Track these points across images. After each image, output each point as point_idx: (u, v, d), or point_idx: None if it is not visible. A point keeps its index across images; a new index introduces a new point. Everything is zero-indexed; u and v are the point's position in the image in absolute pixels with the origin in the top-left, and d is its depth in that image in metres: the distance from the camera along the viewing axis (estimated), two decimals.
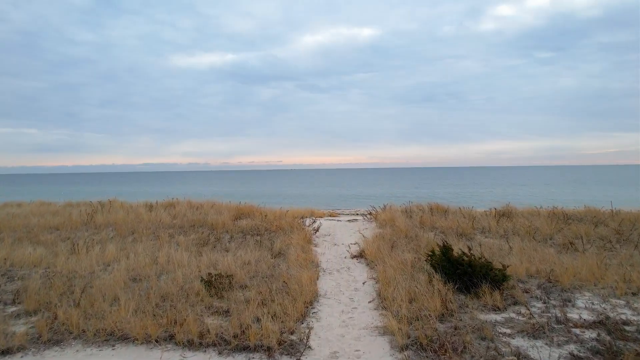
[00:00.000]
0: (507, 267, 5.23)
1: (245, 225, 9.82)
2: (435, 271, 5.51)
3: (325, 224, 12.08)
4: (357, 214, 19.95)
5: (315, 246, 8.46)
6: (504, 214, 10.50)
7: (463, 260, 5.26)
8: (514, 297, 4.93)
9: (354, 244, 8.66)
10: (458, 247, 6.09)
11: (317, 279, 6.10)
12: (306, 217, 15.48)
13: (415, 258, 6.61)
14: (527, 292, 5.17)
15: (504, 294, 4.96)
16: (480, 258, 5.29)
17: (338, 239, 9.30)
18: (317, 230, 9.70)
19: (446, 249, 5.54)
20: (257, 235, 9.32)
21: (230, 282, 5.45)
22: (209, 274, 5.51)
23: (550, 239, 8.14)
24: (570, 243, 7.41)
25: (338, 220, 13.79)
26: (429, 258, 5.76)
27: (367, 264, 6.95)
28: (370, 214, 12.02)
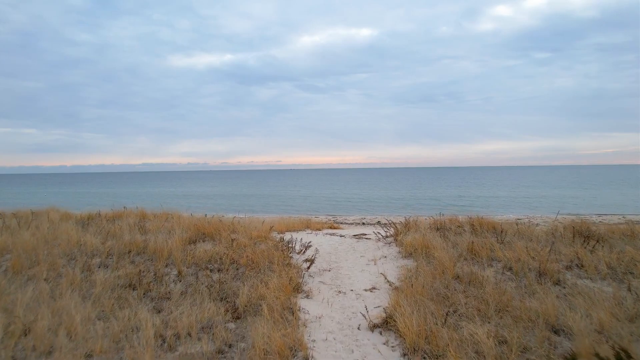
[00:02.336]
0: None
1: (202, 255, 6.46)
2: None
3: (324, 243, 8.76)
4: (364, 224, 16.73)
5: (307, 296, 5.11)
6: (587, 235, 7.15)
7: None
8: None
9: (371, 290, 5.35)
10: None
11: None
12: (300, 229, 12.22)
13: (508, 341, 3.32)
14: None
15: None
16: None
17: (344, 278, 5.96)
18: (312, 262, 6.34)
19: None
20: (218, 271, 6.02)
21: None
22: None
23: None
24: None
25: (341, 236, 10.50)
26: None
27: (404, 352, 3.63)
28: (388, 235, 8.66)
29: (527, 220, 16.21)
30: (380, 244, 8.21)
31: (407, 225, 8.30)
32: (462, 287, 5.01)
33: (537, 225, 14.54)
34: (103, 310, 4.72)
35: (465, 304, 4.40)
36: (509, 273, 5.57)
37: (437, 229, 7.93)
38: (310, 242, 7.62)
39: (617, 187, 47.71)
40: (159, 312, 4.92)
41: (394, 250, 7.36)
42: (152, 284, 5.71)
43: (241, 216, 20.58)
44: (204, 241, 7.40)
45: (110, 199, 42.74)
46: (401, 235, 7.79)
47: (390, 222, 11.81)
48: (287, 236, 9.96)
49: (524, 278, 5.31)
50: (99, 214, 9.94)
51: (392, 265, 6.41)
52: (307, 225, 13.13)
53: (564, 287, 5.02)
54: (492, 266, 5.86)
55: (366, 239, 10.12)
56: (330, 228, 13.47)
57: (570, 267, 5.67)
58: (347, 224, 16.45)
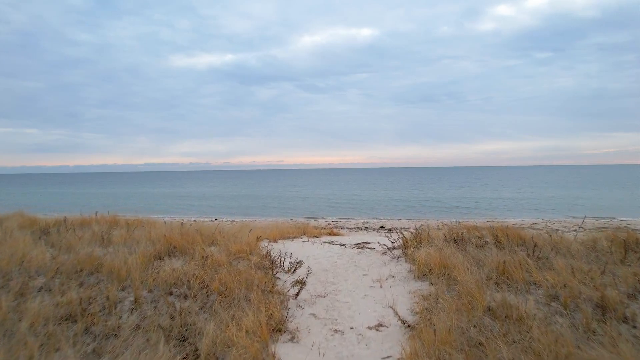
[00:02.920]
0: None
1: (167, 275, 5.22)
2: None
3: (321, 256, 7.53)
4: (367, 228, 15.48)
5: (292, 339, 3.82)
6: (634, 246, 5.87)
7: None
8: None
9: (377, 328, 4.10)
10: None
11: None
12: (296, 237, 11.00)
13: None
14: None
15: None
16: None
17: (342, 308, 4.68)
18: (302, 286, 5.08)
19: None
20: (185, 297, 4.79)
21: None
22: None
23: None
24: None
25: (341, 245, 9.29)
26: None
27: None
28: (395, 247, 7.39)
29: (543, 224, 14.95)
30: (387, 257, 6.95)
31: (417, 236, 7.04)
32: (499, 326, 3.77)
33: (557, 231, 13.27)
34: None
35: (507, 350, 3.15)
36: (554, 304, 4.32)
37: (454, 241, 6.66)
38: (301, 260, 6.35)
39: (623, 188, 46.40)
40: (99, 357, 3.72)
41: (403, 267, 6.10)
42: (99, 315, 4.50)
43: (236, 219, 19.39)
44: (173, 256, 6.15)
45: (106, 199, 41.59)
46: (411, 249, 6.53)
47: (396, 229, 10.58)
48: (278, 246, 8.73)
49: (577, 312, 4.06)
50: (65, 220, 8.70)
51: (402, 290, 5.16)
52: (304, 232, 11.90)
53: (635, 327, 3.78)
54: (530, 293, 4.60)
55: (369, 248, 8.90)
56: (330, 235, 12.24)
57: (633, 296, 4.42)
58: (348, 228, 15.24)
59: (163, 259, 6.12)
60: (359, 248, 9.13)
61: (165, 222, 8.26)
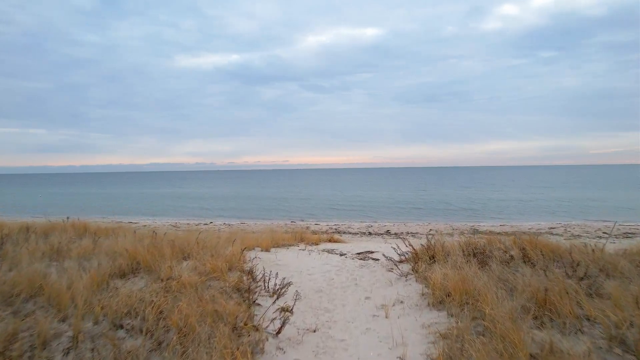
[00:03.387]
0: None
1: (119, 302, 4.19)
2: None
3: (316, 271, 6.47)
4: (370, 233, 14.37)
5: None
6: None
7: None
8: None
9: None
10: None
11: None
12: (292, 244, 9.96)
13: None
14: None
15: None
16: None
17: (337, 350, 3.55)
18: (288, 317, 4.01)
19: None
20: (140, 331, 3.76)
21: None
22: None
23: None
24: None
25: (341, 256, 8.27)
26: None
27: None
28: (403, 260, 6.29)
29: (562, 229, 13.77)
30: (393, 275, 5.85)
31: (429, 249, 5.94)
32: None
33: (580, 237, 12.12)
34: None
35: None
36: (619, 350, 3.23)
37: (474, 255, 5.57)
38: (290, 281, 5.28)
39: (633, 188, 44.89)
40: None
41: (413, 289, 5.01)
42: (22, 359, 3.49)
43: (232, 223, 18.41)
44: (137, 275, 5.10)
45: (103, 201, 40.76)
46: (423, 265, 5.44)
47: (402, 234, 9.51)
48: (270, 256, 7.70)
49: None
50: (27, 228, 7.69)
51: (413, 322, 4.08)
52: (302, 238, 10.85)
53: None
54: (583, 332, 3.52)
55: (373, 259, 7.84)
56: (330, 241, 11.17)
57: None
58: (350, 233, 14.18)
59: (125, 276, 5.08)
60: (361, 259, 8.08)
61: (135, 232, 7.20)
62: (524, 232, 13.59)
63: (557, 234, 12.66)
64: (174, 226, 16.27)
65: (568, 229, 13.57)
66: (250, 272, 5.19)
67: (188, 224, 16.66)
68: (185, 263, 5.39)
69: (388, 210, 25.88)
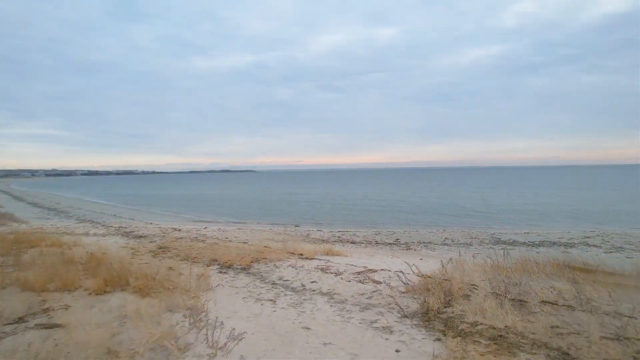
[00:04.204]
0: None
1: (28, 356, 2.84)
2: None
3: (306, 300, 5.01)
4: (377, 242, 12.78)
5: None
6: None
7: None
8: None
9: None
10: None
11: None
12: (281, 260, 8.55)
13: None
14: None
15: None
16: None
17: None
18: None
19: None
20: None
21: None
22: None
23: None
24: None
25: (337, 275, 6.84)
26: None
27: None
28: (410, 289, 4.76)
29: (599, 238, 11.85)
30: (398, 326, 4.31)
31: (446, 274, 4.40)
32: None
33: (622, 249, 10.27)
34: None
35: None
36: None
37: (505, 291, 4.01)
38: (243, 332, 3.82)
39: None
40: None
41: (421, 347, 3.49)
42: None
43: (227, 228, 17.16)
44: (37, 318, 3.74)
45: (100, 201, 40.20)
46: (436, 305, 3.92)
47: (413, 246, 7.98)
48: (247, 279, 6.28)
49: None
50: None
51: None
52: (294, 250, 9.42)
53: None
54: None
55: (374, 282, 6.36)
56: (327, 254, 9.66)
57: None
58: (355, 242, 12.68)
59: (24, 320, 3.72)
60: (360, 280, 6.60)
61: (70, 249, 5.87)
62: (554, 243, 11.86)
63: (594, 245, 10.88)
64: (175, 229, 15.19)
65: (606, 239, 11.73)
66: (195, 319, 3.75)
67: (181, 229, 15.45)
68: (109, 302, 3.99)
69: (399, 214, 24.20)
